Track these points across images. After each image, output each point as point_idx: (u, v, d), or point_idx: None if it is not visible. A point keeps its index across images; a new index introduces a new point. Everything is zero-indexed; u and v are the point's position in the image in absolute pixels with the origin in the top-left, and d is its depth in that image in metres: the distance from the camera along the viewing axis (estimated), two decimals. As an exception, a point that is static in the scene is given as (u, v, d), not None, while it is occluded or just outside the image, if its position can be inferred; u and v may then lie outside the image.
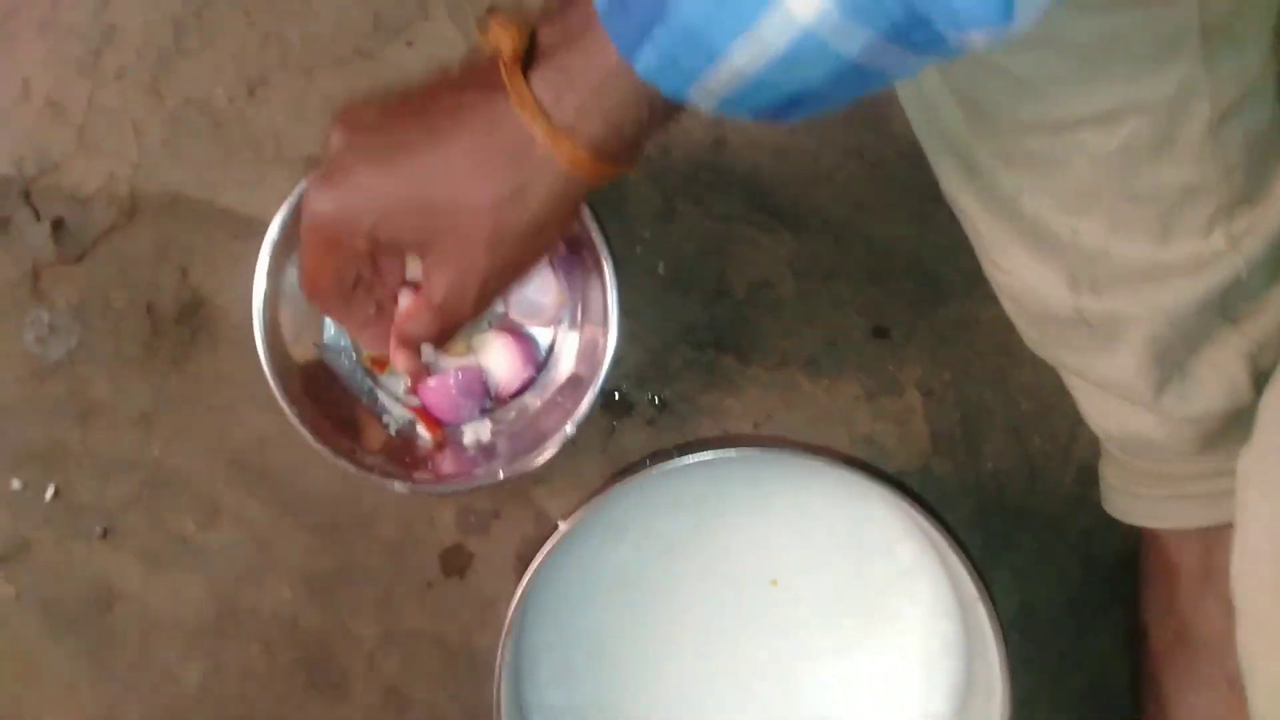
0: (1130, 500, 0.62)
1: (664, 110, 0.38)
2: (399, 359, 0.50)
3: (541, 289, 0.63)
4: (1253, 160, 0.48)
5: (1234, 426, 0.53)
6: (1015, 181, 0.50)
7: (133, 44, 0.66)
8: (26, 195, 0.66)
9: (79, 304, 0.67)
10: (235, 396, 0.67)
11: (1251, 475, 0.50)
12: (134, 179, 0.67)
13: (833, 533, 0.63)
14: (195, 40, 0.67)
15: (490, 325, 0.63)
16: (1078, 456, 0.67)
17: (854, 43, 0.32)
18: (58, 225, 0.67)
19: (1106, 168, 0.47)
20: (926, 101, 0.52)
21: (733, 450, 0.57)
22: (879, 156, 0.65)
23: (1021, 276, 0.54)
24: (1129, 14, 0.42)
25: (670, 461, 0.57)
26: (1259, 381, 0.52)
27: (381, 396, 0.65)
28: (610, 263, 0.58)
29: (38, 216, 0.67)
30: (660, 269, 0.67)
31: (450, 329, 0.47)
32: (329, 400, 0.63)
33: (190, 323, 0.67)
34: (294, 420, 0.59)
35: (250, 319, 0.58)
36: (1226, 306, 0.51)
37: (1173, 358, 0.52)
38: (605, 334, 0.59)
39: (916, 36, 0.31)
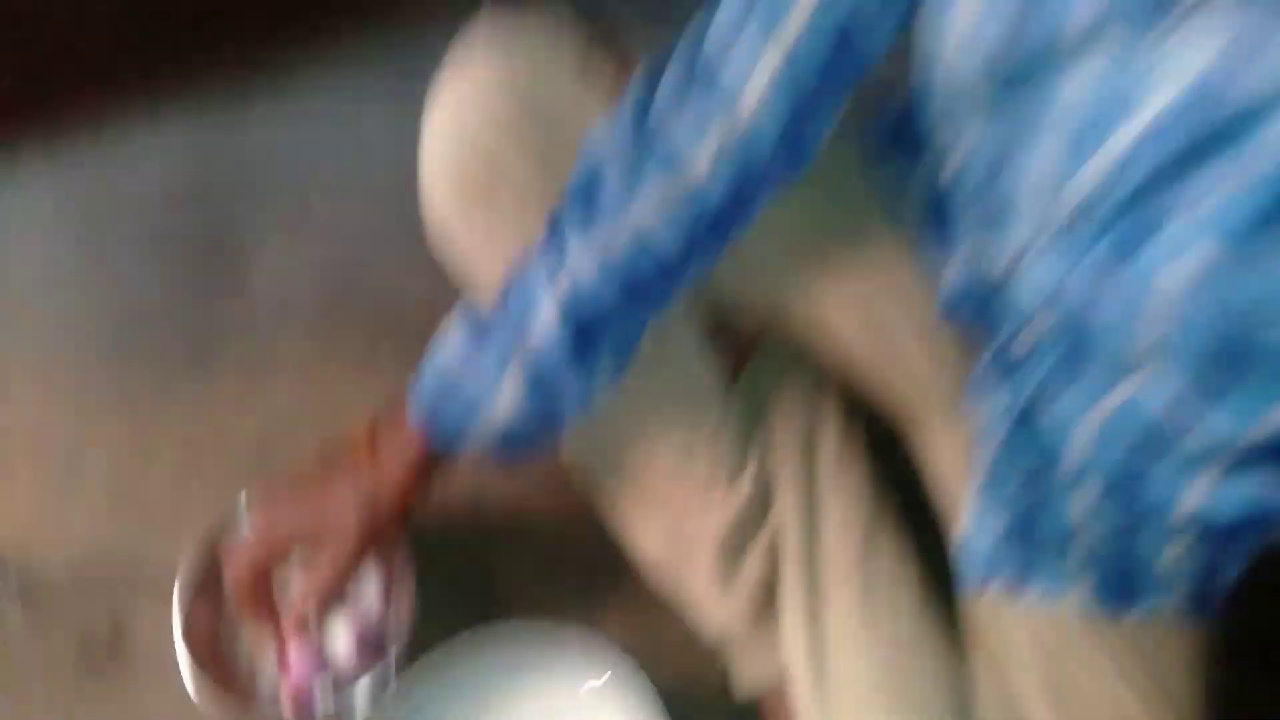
0: (742, 683, 0.81)
1: (445, 461, 0.69)
2: (295, 638, 0.78)
3: (370, 593, 0.94)
4: (743, 445, 0.76)
5: (768, 602, 0.76)
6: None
7: (97, 469, 0.99)
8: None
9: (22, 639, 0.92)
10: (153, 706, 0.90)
11: (787, 639, 0.76)
12: (82, 553, 0.96)
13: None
14: (143, 467, 0.99)
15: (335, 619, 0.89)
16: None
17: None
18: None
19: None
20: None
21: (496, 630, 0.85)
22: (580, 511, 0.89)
23: (645, 543, 0.79)
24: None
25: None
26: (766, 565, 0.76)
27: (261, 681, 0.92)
28: (413, 574, 0.87)
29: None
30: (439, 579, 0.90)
31: (327, 589, 0.70)
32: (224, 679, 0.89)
33: (115, 651, 0.92)
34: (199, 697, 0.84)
35: (168, 643, 0.82)
36: (742, 526, 0.75)
37: (726, 564, 0.75)
38: (406, 621, 0.86)
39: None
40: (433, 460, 0.69)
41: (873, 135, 0.75)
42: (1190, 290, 0.49)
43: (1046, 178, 0.55)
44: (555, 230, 0.64)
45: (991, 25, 0.53)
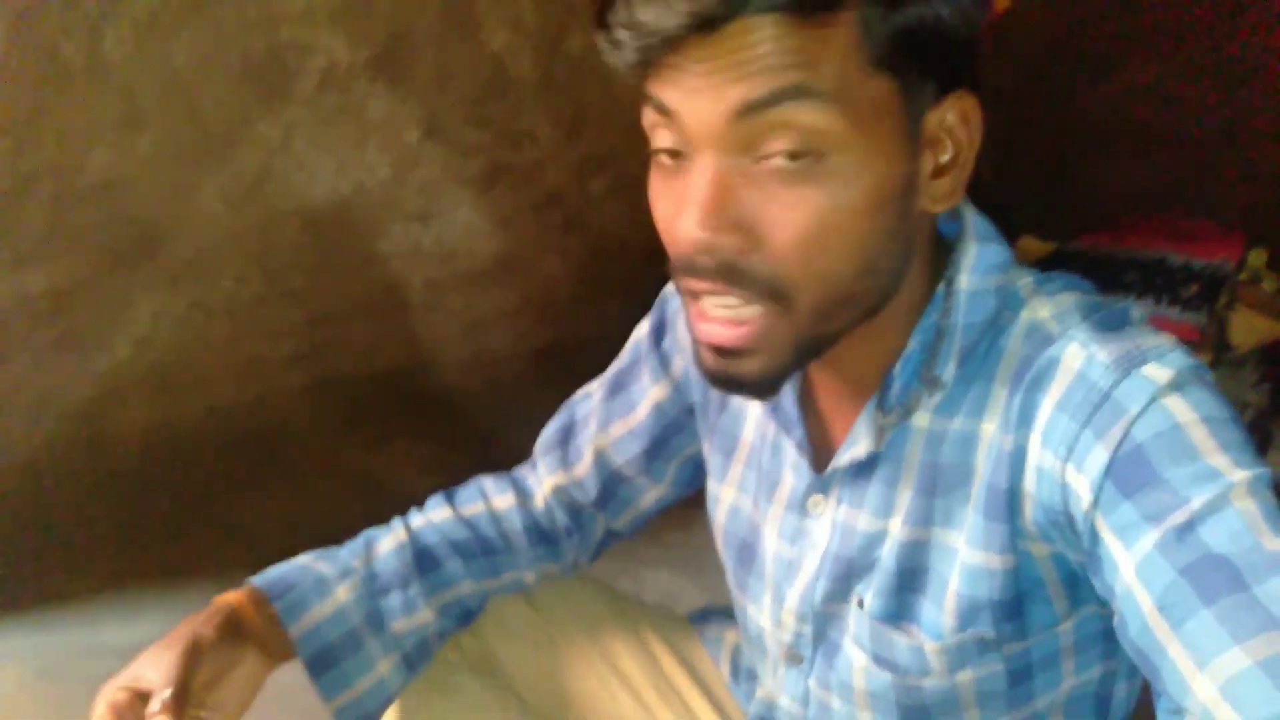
0: None
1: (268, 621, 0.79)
2: None
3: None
4: None
5: None
6: None
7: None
8: None
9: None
10: None
11: None
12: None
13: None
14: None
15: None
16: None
17: None
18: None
19: None
20: None
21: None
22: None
23: None
24: None
25: None
26: None
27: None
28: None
29: None
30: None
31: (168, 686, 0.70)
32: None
33: None
34: None
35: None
36: None
37: None
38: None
39: None
40: (256, 606, 0.79)
41: (696, 614, 1.02)
42: (870, 666, 0.71)
43: (768, 613, 0.79)
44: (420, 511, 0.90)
45: (737, 518, 0.81)
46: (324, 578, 0.81)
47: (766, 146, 0.56)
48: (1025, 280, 0.66)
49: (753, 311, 0.59)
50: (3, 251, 1.46)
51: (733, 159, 0.57)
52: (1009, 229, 2.14)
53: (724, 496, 0.82)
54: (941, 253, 0.67)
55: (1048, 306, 0.64)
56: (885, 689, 0.71)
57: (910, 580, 0.68)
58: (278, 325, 1.81)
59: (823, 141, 0.56)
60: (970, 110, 0.60)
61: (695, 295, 0.61)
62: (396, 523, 0.88)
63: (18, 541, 1.58)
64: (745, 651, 0.89)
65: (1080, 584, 0.64)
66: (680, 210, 0.59)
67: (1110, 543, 0.56)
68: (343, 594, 0.81)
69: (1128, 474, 0.55)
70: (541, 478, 0.91)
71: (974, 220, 0.67)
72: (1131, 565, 0.54)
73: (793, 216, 0.57)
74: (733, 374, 0.62)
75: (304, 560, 0.83)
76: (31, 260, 1.50)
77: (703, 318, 0.62)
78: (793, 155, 0.56)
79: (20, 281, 1.49)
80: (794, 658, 0.77)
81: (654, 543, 1.72)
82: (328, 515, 1.76)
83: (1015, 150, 2.39)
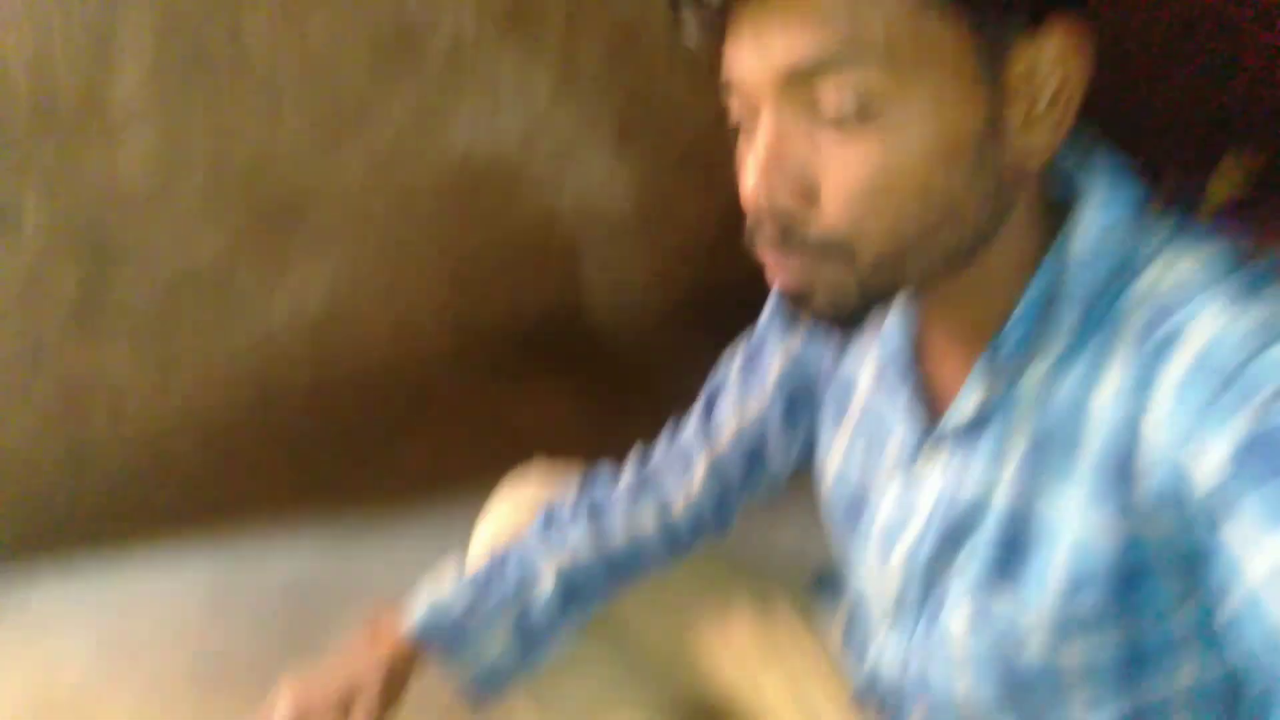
0: None
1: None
2: None
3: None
4: None
5: None
6: None
7: None
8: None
9: None
10: None
11: None
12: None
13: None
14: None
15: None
16: None
17: None
18: None
19: None
20: None
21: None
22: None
23: None
24: None
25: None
26: None
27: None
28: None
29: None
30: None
31: None
32: None
33: None
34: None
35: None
36: None
37: None
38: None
39: None
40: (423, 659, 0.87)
41: (813, 581, 1.01)
42: (969, 630, 0.67)
43: (874, 573, 0.75)
44: (553, 523, 0.92)
45: (844, 482, 0.79)
46: (479, 630, 0.87)
47: (819, 104, 0.55)
48: (1157, 234, 0.60)
49: (812, 272, 0.60)
50: (165, 230, 1.59)
51: (789, 117, 0.57)
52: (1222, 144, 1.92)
53: (832, 460, 0.81)
54: (1066, 202, 0.62)
55: (1178, 265, 0.58)
56: (983, 654, 0.67)
57: (1013, 544, 0.65)
58: (420, 284, 1.90)
59: (875, 98, 0.54)
60: (1072, 36, 0.55)
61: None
62: (546, 561, 0.90)
63: (191, 490, 1.75)
64: (855, 618, 0.88)
65: (1199, 569, 0.58)
66: (745, 173, 0.59)
67: (1231, 539, 0.50)
68: (499, 642, 0.88)
69: (1257, 461, 0.49)
70: (693, 467, 0.92)
71: (1103, 164, 0.62)
72: (1259, 569, 0.49)
73: (848, 172, 0.56)
74: (804, 313, 0.62)
75: (464, 602, 0.88)
76: (192, 236, 1.63)
77: (771, 269, 0.63)
78: (844, 113, 0.55)
79: (183, 256, 1.62)
80: (896, 619, 0.75)
81: (788, 499, 1.72)
82: (476, 462, 1.85)
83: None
